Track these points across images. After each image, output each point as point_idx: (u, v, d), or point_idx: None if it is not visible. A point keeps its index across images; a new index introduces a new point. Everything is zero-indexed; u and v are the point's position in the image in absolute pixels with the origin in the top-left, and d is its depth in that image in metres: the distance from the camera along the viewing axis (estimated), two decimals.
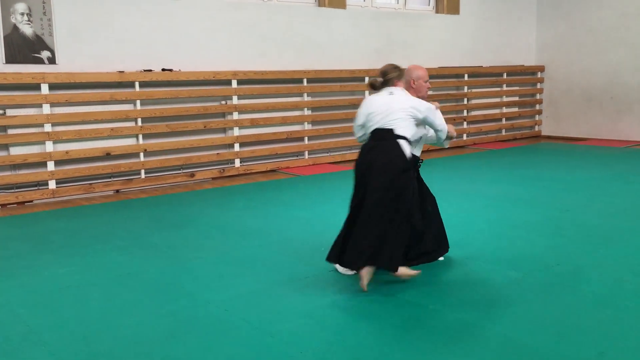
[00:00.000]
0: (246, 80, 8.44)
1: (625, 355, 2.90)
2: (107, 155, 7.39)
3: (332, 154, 9.52)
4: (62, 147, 7.10)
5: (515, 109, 12.06)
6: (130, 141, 7.61)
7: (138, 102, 7.55)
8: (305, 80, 9.00)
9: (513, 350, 2.99)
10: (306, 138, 9.17)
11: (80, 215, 6.25)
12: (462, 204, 6.25)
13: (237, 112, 8.37)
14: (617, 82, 11.14)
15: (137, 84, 7.49)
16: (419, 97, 4.23)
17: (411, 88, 4.27)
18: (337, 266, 4.17)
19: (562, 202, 6.19)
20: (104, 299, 3.85)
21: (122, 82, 7.46)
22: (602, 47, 11.29)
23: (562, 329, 3.22)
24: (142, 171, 7.68)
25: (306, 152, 9.23)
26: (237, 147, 8.46)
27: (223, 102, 8.31)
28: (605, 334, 3.13)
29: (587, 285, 3.84)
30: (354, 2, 9.77)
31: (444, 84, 10.74)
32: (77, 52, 7.18)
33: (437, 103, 4.27)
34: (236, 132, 8.42)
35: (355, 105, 9.67)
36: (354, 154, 9.59)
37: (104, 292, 3.97)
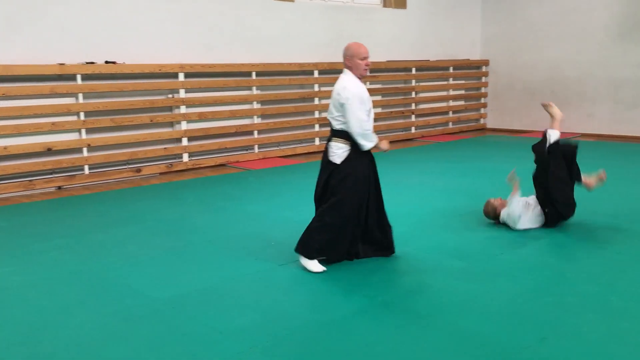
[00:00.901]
0: (194, 73, 8.30)
1: (565, 340, 3.01)
2: (48, 151, 7.14)
3: (282, 147, 9.49)
4: (0, 142, 6.81)
5: (462, 103, 12.32)
6: (73, 136, 7.37)
7: (80, 95, 7.31)
8: (254, 73, 8.92)
9: (461, 338, 3.05)
10: (256, 132, 9.10)
11: (20, 214, 6.01)
12: (410, 195, 6.34)
13: (184, 106, 8.23)
14: (558, 77, 11.53)
15: (79, 76, 7.25)
16: (357, 75, 4.09)
17: (348, 67, 4.10)
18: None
19: (506, 193, 6.34)
20: (45, 299, 3.72)
21: (63, 75, 7.21)
22: (543, 42, 11.65)
23: (505, 315, 3.31)
24: (86, 167, 7.46)
25: (256, 146, 9.16)
26: (185, 142, 8.32)
27: (170, 96, 8.14)
28: (546, 321, 3.23)
29: (530, 273, 3.96)
30: None
31: (393, 78, 10.85)
32: (13, 43, 6.88)
33: (385, 143, 4.19)
34: (184, 126, 8.27)
35: (305, 98, 9.68)
36: (304, 148, 9.65)
37: (46, 292, 3.84)
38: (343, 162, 4.04)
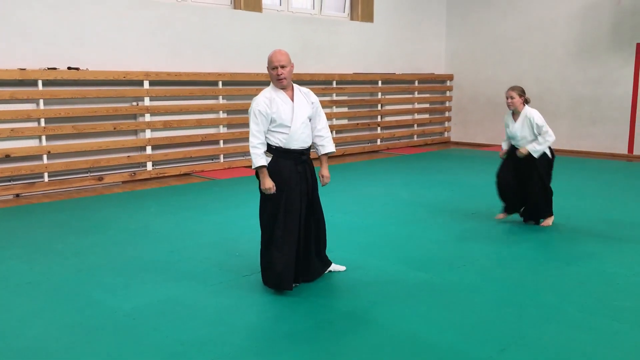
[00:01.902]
0: (159, 81, 8.21)
1: (525, 351, 3.06)
2: (7, 157, 6.95)
3: (248, 157, 9.45)
4: None
5: (426, 116, 12.50)
6: (32, 142, 7.20)
7: (41, 101, 7.16)
8: (220, 82, 8.88)
9: (420, 347, 3.07)
10: (221, 141, 9.05)
11: None
12: (374, 207, 6.39)
13: (149, 114, 8.13)
14: None
15: (40, 82, 7.10)
16: (280, 87, 3.84)
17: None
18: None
19: (469, 206, 6.46)
20: (1, 310, 3.60)
21: (24, 80, 7.04)
22: (505, 57, 11.93)
23: (466, 326, 3.35)
24: (46, 174, 7.28)
25: (221, 156, 9.10)
26: (149, 150, 8.21)
27: (134, 104, 8.04)
28: (506, 332, 3.28)
29: (491, 284, 4.02)
30: (270, 6, 9.76)
31: (359, 90, 10.95)
32: None
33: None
34: (148, 134, 8.17)
35: None
36: None
37: (2, 303, 3.72)
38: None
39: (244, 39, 9.25)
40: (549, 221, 5.54)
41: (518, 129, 5.36)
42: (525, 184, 5.48)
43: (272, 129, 3.82)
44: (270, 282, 3.85)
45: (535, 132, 5.30)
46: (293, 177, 3.84)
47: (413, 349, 3.08)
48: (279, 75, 3.78)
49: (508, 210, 5.69)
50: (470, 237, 5.22)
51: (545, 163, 5.42)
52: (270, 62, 3.81)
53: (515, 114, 5.42)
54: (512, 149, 5.54)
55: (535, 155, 5.33)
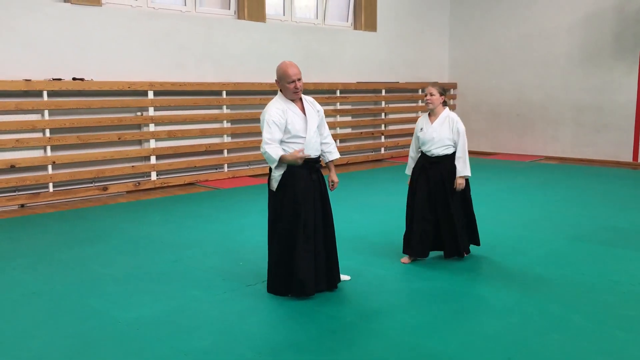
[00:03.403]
0: (163, 91, 8.25)
1: (530, 359, 3.04)
2: (12, 168, 6.98)
3: (252, 166, 9.47)
4: None
5: None
6: (37, 153, 7.23)
7: (46, 112, 7.20)
8: (224, 92, 8.91)
9: (424, 357, 3.05)
10: (225, 151, 9.07)
11: None
12: (378, 216, 6.38)
13: (153, 124, 8.16)
14: (523, 100, 11.81)
15: (45, 93, 7.14)
16: (290, 98, 3.91)
17: (280, 90, 3.97)
18: None
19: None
20: (4, 320, 3.60)
21: (29, 91, 7.09)
22: (508, 66, 11.94)
23: (471, 336, 3.33)
24: (50, 184, 7.31)
25: (225, 165, 9.12)
26: (153, 160, 8.23)
27: (139, 114, 8.07)
28: (511, 340, 3.27)
29: (495, 292, 4.00)
30: (273, 16, 9.81)
31: (362, 99, 10.97)
32: None
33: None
34: (152, 144, 8.20)
35: None
36: None
37: (5, 313, 3.73)
38: (278, 188, 3.90)
39: (247, 49, 9.29)
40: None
41: (435, 129, 4.63)
42: (446, 215, 4.66)
43: (286, 140, 3.87)
44: (294, 288, 3.88)
45: (454, 138, 4.64)
46: (309, 185, 3.91)
47: (417, 359, 3.06)
48: (296, 89, 3.85)
49: (418, 252, 4.69)
50: (473, 246, 5.19)
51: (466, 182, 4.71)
52: (287, 76, 3.84)
53: (432, 115, 4.71)
54: (424, 174, 4.73)
55: (469, 172, 4.66)
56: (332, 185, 4.16)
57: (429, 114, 4.75)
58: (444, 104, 4.74)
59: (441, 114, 4.70)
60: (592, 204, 6.95)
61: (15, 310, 3.78)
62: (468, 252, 4.83)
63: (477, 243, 4.84)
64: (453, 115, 4.73)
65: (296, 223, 3.87)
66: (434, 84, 4.73)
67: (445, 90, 4.75)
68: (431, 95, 4.65)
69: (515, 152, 11.88)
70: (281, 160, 3.80)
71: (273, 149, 3.79)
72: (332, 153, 4.15)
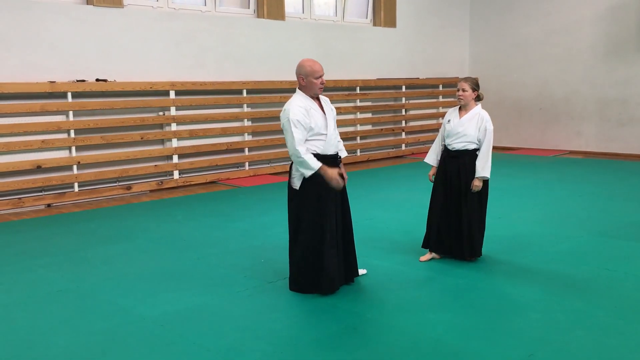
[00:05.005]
0: (184, 91, 8.33)
1: (552, 356, 3.02)
2: (38, 168, 7.12)
3: (272, 164, 9.51)
4: None
5: None
6: (63, 153, 7.36)
7: (71, 113, 7.32)
8: (244, 91, 8.97)
9: (445, 354, 3.05)
10: (246, 149, 9.12)
11: (8, 231, 5.98)
12: (400, 212, 6.37)
13: (175, 123, 8.24)
14: (545, 95, 11.66)
15: (69, 94, 7.26)
16: (311, 95, 3.93)
17: (302, 87, 3.95)
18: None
19: (495, 209, 6.39)
20: (32, 318, 3.69)
21: (54, 93, 7.22)
22: (530, 61, 11.80)
23: (492, 332, 3.32)
24: (76, 184, 7.44)
25: (246, 163, 9.18)
26: (175, 159, 8.32)
27: (161, 113, 8.16)
28: (534, 337, 3.25)
29: (517, 288, 3.97)
30: (292, 14, 9.84)
31: (382, 95, 10.94)
32: (4, 62, 6.89)
33: (334, 175, 3.83)
34: (174, 143, 8.29)
35: None
36: None
37: (33, 311, 3.81)
38: (301, 186, 3.91)
39: (267, 47, 9.33)
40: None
41: (463, 124, 4.53)
42: (458, 214, 4.57)
43: (309, 138, 3.89)
44: (324, 285, 3.89)
45: (479, 136, 4.54)
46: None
47: (438, 355, 3.06)
48: (322, 84, 3.92)
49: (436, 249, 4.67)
50: (497, 241, 5.15)
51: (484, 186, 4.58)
52: (315, 71, 3.88)
53: (462, 110, 4.62)
54: (443, 168, 4.68)
55: (488, 174, 4.51)
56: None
57: (460, 108, 4.64)
58: (477, 99, 4.62)
59: (472, 109, 4.59)
60: (618, 199, 6.84)
61: (43, 308, 3.86)
62: (473, 257, 4.58)
63: (478, 254, 4.59)
64: (484, 113, 4.60)
65: (322, 220, 3.89)
66: (467, 79, 4.62)
67: (478, 85, 4.64)
68: (463, 91, 4.54)
69: (538, 147, 11.75)
70: (318, 171, 3.80)
71: (311, 158, 3.79)
72: (342, 151, 4.21)
